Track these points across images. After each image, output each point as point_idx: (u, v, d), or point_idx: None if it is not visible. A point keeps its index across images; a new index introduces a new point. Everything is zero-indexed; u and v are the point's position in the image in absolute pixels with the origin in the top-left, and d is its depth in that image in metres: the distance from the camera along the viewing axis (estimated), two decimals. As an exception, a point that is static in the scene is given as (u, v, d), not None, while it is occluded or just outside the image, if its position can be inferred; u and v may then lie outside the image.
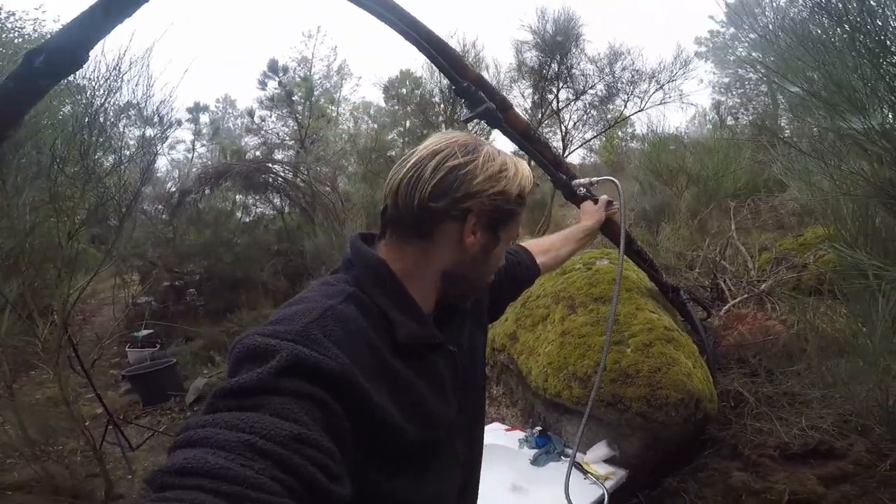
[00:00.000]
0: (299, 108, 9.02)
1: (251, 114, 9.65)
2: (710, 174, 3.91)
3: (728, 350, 2.58)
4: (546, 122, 4.96)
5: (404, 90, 6.54)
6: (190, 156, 11.31)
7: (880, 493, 1.62)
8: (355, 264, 0.69)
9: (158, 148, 4.60)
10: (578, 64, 4.61)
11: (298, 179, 7.57)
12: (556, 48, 4.42)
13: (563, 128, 4.99)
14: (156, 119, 4.29)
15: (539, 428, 2.04)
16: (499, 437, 2.05)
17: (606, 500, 1.65)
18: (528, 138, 1.56)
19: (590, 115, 5.06)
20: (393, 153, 7.28)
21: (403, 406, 0.62)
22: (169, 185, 7.91)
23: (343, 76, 10.70)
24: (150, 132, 4.48)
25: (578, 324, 2.01)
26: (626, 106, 4.92)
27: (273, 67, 9.07)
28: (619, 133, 7.21)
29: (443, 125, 5.19)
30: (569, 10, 4.54)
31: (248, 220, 8.49)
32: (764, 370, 2.38)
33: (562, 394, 1.91)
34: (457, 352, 0.75)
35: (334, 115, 9.87)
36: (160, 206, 7.28)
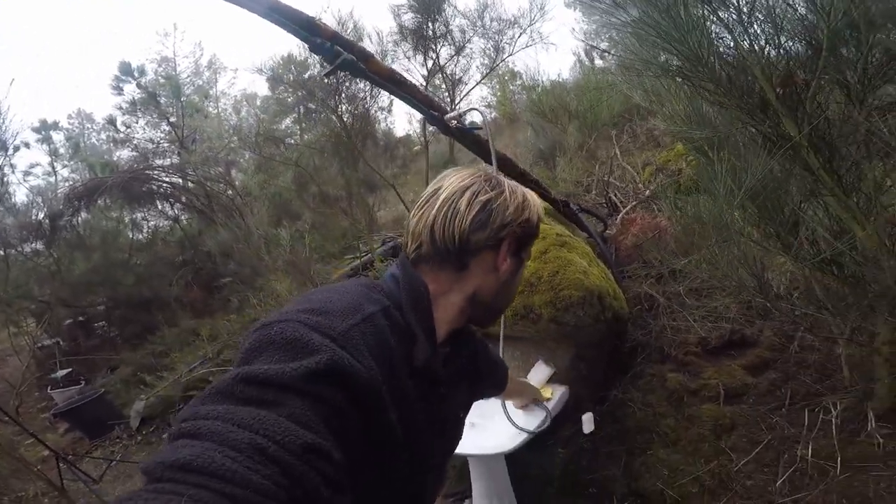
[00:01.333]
0: (170, 109, 8.28)
1: (112, 122, 8.65)
2: (586, 108, 4.26)
3: (629, 252, 2.88)
4: (433, 80, 5.08)
5: (291, 76, 6.26)
6: (52, 179, 10.00)
7: (802, 375, 1.79)
8: (401, 282, 0.71)
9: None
10: (454, 20, 4.79)
11: (188, 182, 7.06)
12: (429, 6, 4.52)
13: (451, 83, 5.14)
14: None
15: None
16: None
17: (548, 417, 1.69)
18: (395, 82, 1.57)
19: (469, 68, 5.29)
20: (293, 140, 7.03)
21: (405, 428, 0.62)
22: (35, 213, 7.02)
23: (216, 71, 9.88)
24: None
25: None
26: (496, 54, 5.19)
27: (126, 70, 8.14)
28: (511, 87, 7.49)
29: (343, 105, 5.11)
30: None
31: (141, 236, 7.81)
32: (667, 270, 2.50)
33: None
34: (446, 394, 0.76)
35: (214, 111, 9.17)
36: (33, 240, 6.49)
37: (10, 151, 7.49)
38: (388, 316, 0.65)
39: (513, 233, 0.73)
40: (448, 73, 5.08)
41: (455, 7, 4.81)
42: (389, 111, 5.82)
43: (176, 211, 7.23)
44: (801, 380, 1.79)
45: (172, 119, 8.09)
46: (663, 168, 3.79)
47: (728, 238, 1.71)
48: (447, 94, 5.16)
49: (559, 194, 3.76)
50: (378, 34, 4.72)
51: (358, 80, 4.28)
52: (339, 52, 1.30)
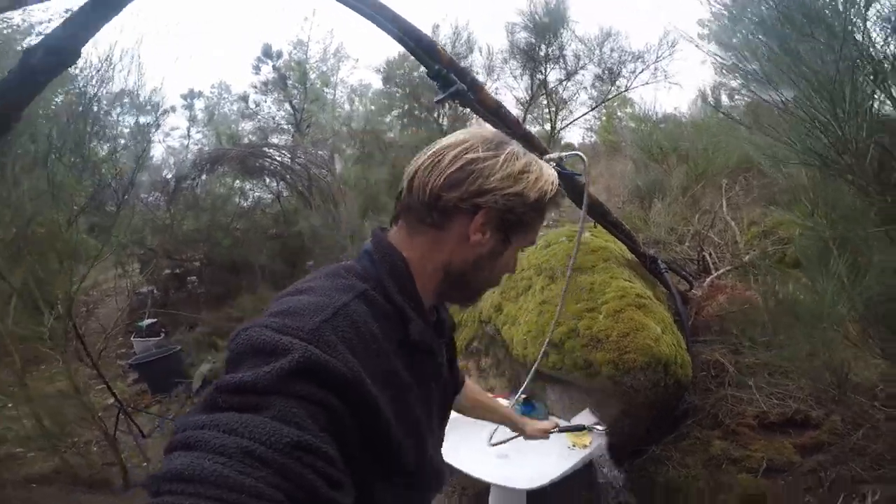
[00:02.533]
0: (294, 91, 9.05)
1: (245, 98, 9.71)
2: (700, 152, 3.99)
3: (709, 319, 2.68)
4: (535, 101, 5.05)
5: (402, 72, 6.58)
6: (186, 142, 11.34)
7: (853, 461, 1.70)
8: (375, 257, 0.68)
9: (152, 134, 4.78)
10: (569, 45, 4.71)
11: (295, 163, 7.66)
12: (545, 29, 4.49)
13: (554, 107, 5.06)
14: (148, 106, 4.53)
15: (524, 395, 2.10)
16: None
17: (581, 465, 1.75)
18: (498, 116, 1.65)
19: (578, 94, 5.17)
20: (392, 134, 7.38)
21: (401, 417, 0.61)
22: (165, 171, 7.98)
23: (340, 59, 10.68)
24: (143, 119, 4.67)
25: (556, 293, 2.13)
26: (612, 86, 4.99)
27: (267, 52, 9.11)
28: (619, 113, 7.24)
29: (437, 110, 5.29)
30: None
31: (245, 204, 8.58)
32: (747, 341, 2.39)
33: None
34: (443, 363, 0.76)
35: (331, 97, 9.87)
36: (157, 194, 7.39)
37: (160, 113, 8.63)
38: (368, 300, 0.62)
39: (494, 202, 0.66)
40: (554, 96, 5.01)
41: (573, 32, 4.73)
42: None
43: (280, 188, 7.86)
44: (850, 465, 1.69)
45: (295, 101, 8.88)
46: (772, 232, 3.45)
47: (819, 331, 1.57)
48: (552, 114, 5.09)
49: (648, 242, 3.57)
50: (489, 48, 4.79)
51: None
52: (453, 80, 1.36)
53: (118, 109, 4.45)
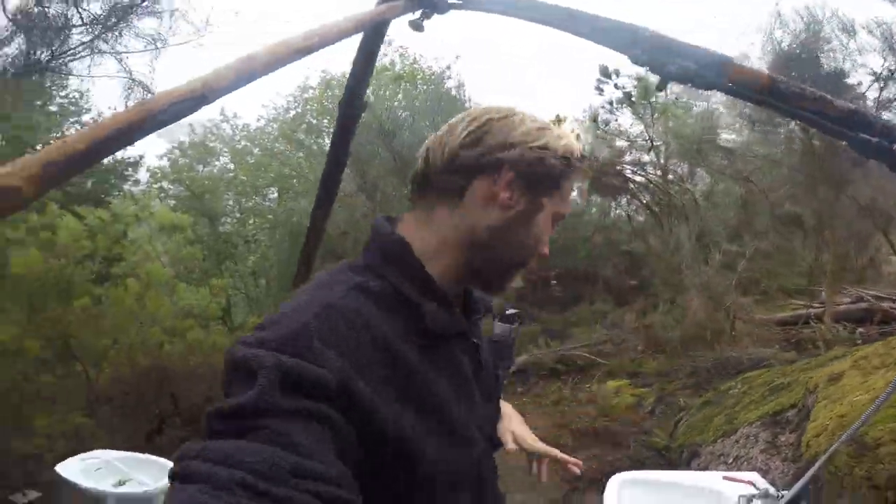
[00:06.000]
0: (640, 108, 8.48)
1: (594, 119, 9.50)
2: None
3: None
4: None
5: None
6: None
7: None
8: (371, 246, 0.60)
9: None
10: None
11: (648, 180, 7.26)
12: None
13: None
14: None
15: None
16: (716, 482, 1.61)
17: None
18: None
19: None
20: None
21: (420, 413, 0.53)
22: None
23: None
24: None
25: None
26: None
27: (605, 73, 8.69)
28: None
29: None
30: None
31: (605, 219, 8.61)
32: None
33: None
34: (480, 345, 0.65)
35: (681, 107, 8.77)
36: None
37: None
38: (364, 291, 0.54)
39: (520, 156, 0.56)
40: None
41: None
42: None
43: (629, 205, 7.63)
44: None
45: (643, 116, 8.29)
46: None
47: None
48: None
49: None
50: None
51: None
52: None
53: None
